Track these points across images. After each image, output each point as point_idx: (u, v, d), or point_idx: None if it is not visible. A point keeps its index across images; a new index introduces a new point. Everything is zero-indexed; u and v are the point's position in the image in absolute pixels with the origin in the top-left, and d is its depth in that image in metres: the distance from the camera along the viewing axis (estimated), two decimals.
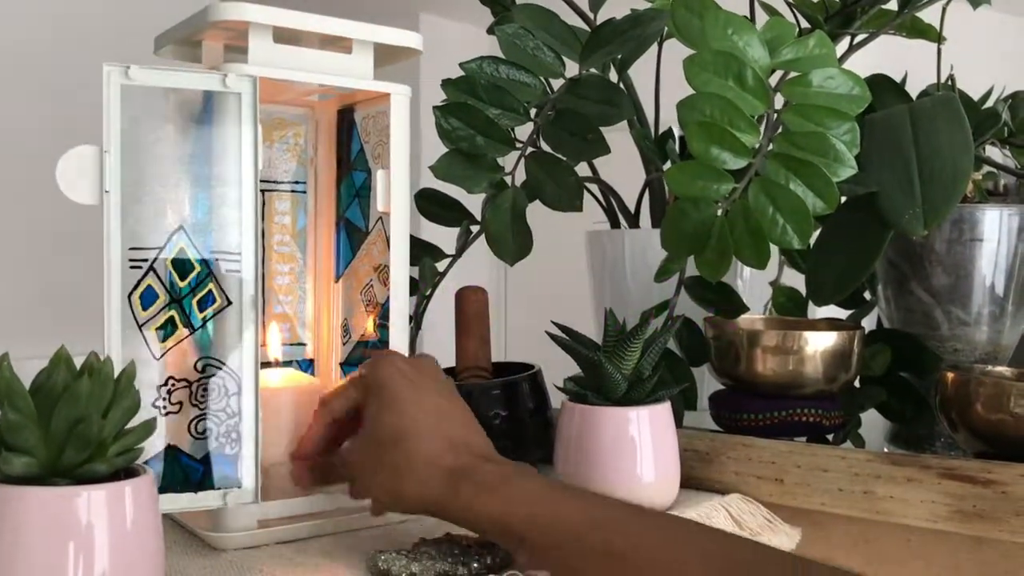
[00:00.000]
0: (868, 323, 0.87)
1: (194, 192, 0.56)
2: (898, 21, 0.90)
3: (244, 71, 0.60)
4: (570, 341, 0.69)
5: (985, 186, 0.99)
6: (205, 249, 0.56)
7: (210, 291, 0.57)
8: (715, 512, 0.68)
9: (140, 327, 0.55)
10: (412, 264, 0.84)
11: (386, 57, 0.68)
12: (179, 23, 0.65)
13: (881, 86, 0.84)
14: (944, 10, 0.87)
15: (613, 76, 0.90)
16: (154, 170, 0.55)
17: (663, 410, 0.68)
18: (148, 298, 0.55)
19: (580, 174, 0.82)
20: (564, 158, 0.80)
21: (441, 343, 0.83)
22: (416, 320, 0.83)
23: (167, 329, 0.56)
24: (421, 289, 0.82)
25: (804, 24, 0.91)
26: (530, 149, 0.81)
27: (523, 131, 0.82)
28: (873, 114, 0.78)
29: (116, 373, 0.47)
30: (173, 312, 0.56)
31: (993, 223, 0.80)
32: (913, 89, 0.89)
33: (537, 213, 0.82)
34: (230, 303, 0.57)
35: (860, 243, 0.75)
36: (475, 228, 0.83)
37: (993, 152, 0.92)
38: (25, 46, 1.21)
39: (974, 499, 0.63)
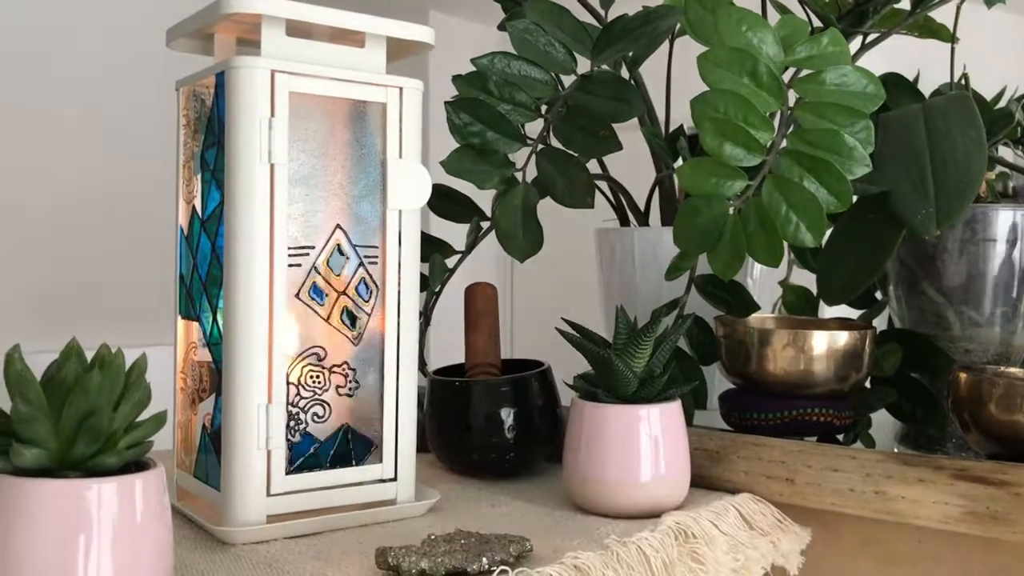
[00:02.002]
0: (879, 323, 0.86)
1: None
2: (910, 21, 0.90)
3: (256, 64, 0.59)
4: (581, 338, 0.68)
5: (996, 187, 0.99)
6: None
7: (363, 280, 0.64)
8: (725, 512, 0.68)
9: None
10: (422, 260, 0.84)
11: (397, 52, 0.68)
12: (191, 16, 0.64)
13: (894, 85, 0.83)
14: (958, 9, 0.87)
15: (624, 73, 0.89)
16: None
17: (674, 408, 0.68)
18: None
19: (590, 171, 0.82)
20: (575, 154, 0.80)
21: (451, 339, 0.83)
22: (425, 316, 0.83)
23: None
24: (431, 285, 0.82)
25: (816, 23, 0.91)
26: (541, 145, 0.81)
27: (534, 127, 0.82)
28: (887, 113, 0.77)
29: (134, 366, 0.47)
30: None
31: (1006, 223, 0.79)
32: (925, 89, 0.88)
33: (546, 210, 0.81)
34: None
35: (872, 242, 0.75)
36: (485, 224, 0.83)
37: (1005, 152, 0.91)
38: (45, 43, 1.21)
39: (988, 500, 0.62)
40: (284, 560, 0.57)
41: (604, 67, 0.84)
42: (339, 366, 0.64)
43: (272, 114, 0.60)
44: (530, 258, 0.81)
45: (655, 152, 0.91)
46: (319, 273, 0.63)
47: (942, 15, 0.90)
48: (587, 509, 0.67)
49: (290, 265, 0.61)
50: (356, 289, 0.65)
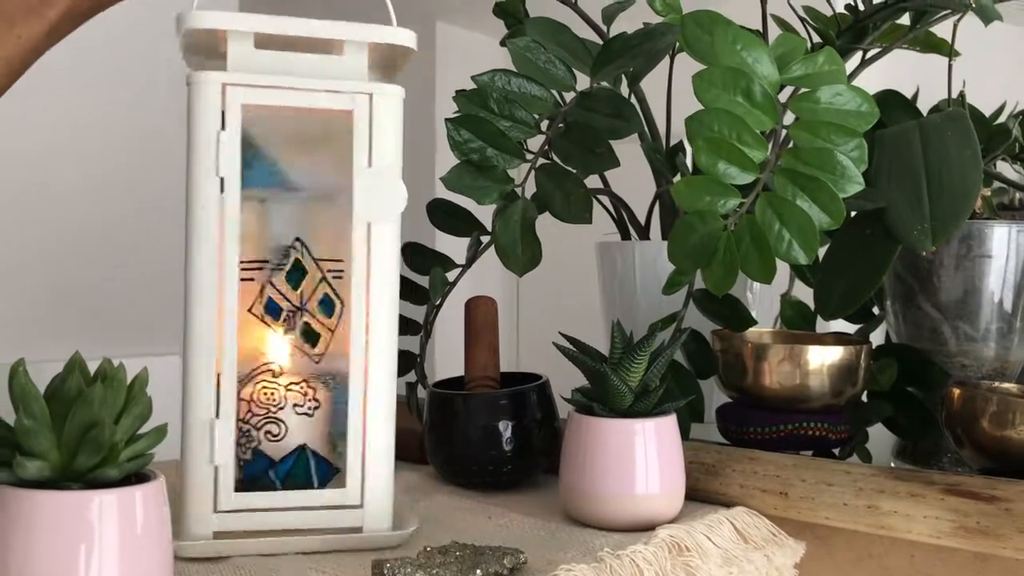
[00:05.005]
0: (876, 337, 0.87)
1: None
2: (911, 36, 0.91)
3: (207, 79, 0.60)
4: (576, 352, 0.69)
5: (999, 200, 0.99)
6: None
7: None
8: (720, 525, 0.68)
9: None
10: (423, 273, 0.85)
11: (388, 62, 0.67)
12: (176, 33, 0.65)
13: (891, 102, 0.84)
14: (956, 25, 0.88)
15: (625, 89, 0.90)
16: None
17: (669, 422, 0.68)
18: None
19: (591, 186, 0.83)
20: (574, 170, 0.81)
21: (451, 352, 0.84)
22: (426, 329, 0.84)
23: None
24: (431, 299, 0.83)
25: (816, 39, 0.92)
26: (540, 161, 0.82)
27: (534, 143, 0.83)
28: (883, 130, 0.78)
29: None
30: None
31: (1002, 239, 0.80)
32: (927, 104, 0.89)
33: (550, 224, 0.82)
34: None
35: (868, 258, 0.76)
36: (485, 239, 0.84)
37: (1004, 168, 0.92)
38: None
39: (978, 515, 0.63)
40: (288, 572, 0.57)
41: (604, 84, 0.85)
42: (297, 384, 0.62)
43: (223, 127, 0.60)
44: (529, 272, 0.82)
45: (655, 167, 0.92)
46: (275, 288, 0.62)
47: (943, 30, 0.91)
48: (582, 522, 0.68)
49: (243, 279, 0.61)
50: (317, 305, 0.63)
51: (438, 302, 0.83)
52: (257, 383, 0.62)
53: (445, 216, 0.88)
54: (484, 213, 0.86)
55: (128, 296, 1.23)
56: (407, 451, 0.77)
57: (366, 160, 0.62)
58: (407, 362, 0.83)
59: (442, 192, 0.82)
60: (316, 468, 0.63)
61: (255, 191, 0.61)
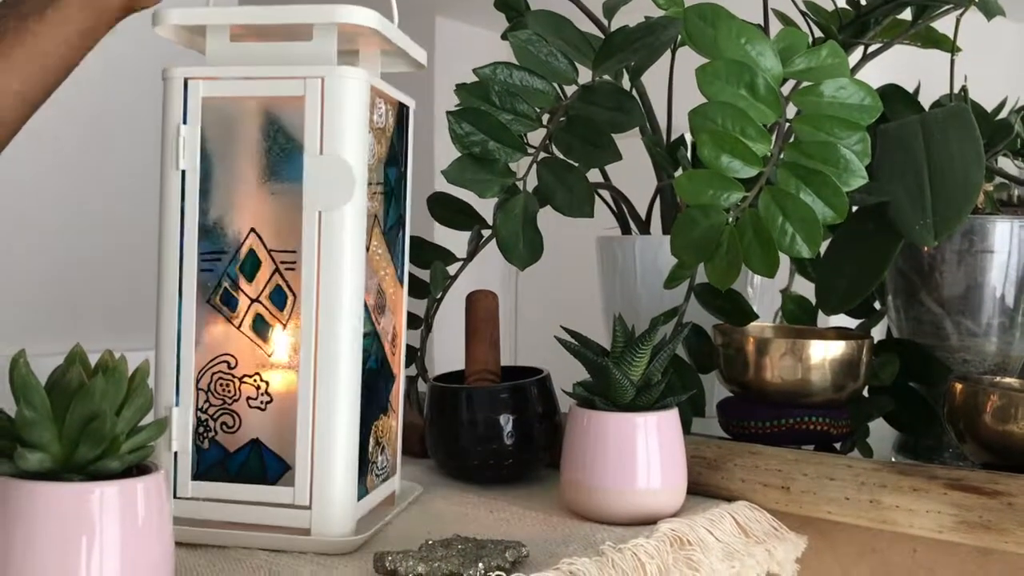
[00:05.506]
0: (877, 332, 0.87)
1: None
2: (912, 31, 0.91)
3: (173, 74, 0.61)
4: (578, 346, 0.69)
5: (1001, 195, 0.99)
6: None
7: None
8: (721, 519, 0.68)
9: None
10: (424, 267, 0.85)
11: (364, 47, 0.67)
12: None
13: (893, 96, 0.84)
14: (958, 20, 0.87)
15: (626, 83, 0.90)
16: None
17: (671, 416, 0.68)
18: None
19: (592, 179, 0.83)
20: (575, 164, 0.81)
21: (452, 346, 0.84)
22: (427, 323, 0.84)
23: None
24: (432, 292, 0.83)
25: (818, 34, 0.92)
26: (542, 154, 0.82)
27: (535, 137, 0.82)
28: (885, 125, 0.78)
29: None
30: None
31: (1004, 234, 0.80)
32: (928, 99, 0.89)
33: (551, 218, 0.82)
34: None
35: (870, 253, 0.76)
36: (487, 232, 0.84)
37: (1006, 163, 0.92)
38: None
39: (980, 510, 0.63)
40: (282, 564, 0.57)
41: (605, 77, 0.85)
42: (251, 376, 0.61)
43: (184, 121, 0.61)
44: (531, 266, 0.81)
45: (656, 161, 0.92)
46: (231, 279, 0.61)
47: (945, 25, 0.91)
48: (584, 515, 0.68)
49: (203, 270, 0.61)
50: (270, 297, 0.61)
51: (439, 296, 0.83)
52: (214, 374, 0.62)
53: (446, 210, 0.88)
54: (485, 207, 0.85)
55: (129, 289, 1.22)
56: (408, 445, 0.77)
57: (317, 146, 0.60)
58: (408, 356, 0.83)
59: (442, 185, 0.82)
60: (269, 463, 0.61)
61: (216, 182, 0.62)
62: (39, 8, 0.59)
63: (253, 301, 0.61)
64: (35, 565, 0.43)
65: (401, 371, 0.71)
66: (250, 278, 0.61)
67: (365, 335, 0.63)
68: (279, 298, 0.61)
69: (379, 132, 0.64)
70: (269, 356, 0.61)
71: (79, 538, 0.44)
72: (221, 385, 0.62)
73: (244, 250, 0.61)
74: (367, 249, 0.62)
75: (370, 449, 0.65)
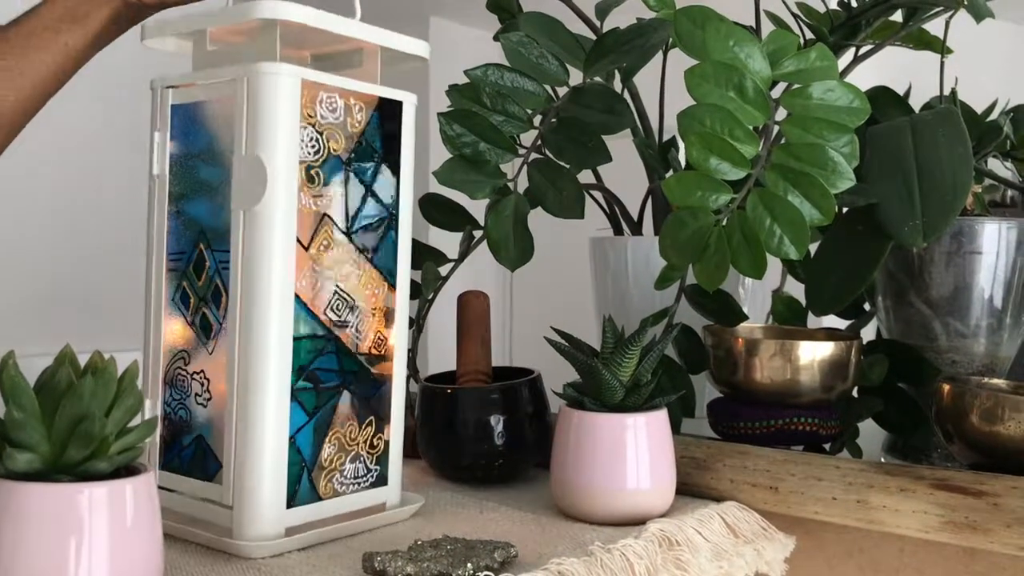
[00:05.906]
0: (867, 333, 0.87)
1: None
2: (903, 33, 0.91)
3: (155, 84, 0.64)
4: (568, 347, 0.70)
5: (990, 197, 0.99)
6: None
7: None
8: (710, 519, 0.69)
9: None
10: (415, 268, 0.85)
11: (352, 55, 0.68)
12: None
13: (882, 98, 0.84)
14: (948, 22, 0.88)
15: (618, 85, 0.90)
16: None
17: (660, 417, 0.69)
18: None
19: (584, 181, 0.83)
20: (566, 165, 0.81)
21: (443, 347, 0.84)
22: (418, 324, 0.84)
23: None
24: (423, 293, 0.83)
25: (810, 36, 0.92)
26: (533, 156, 0.82)
27: (527, 138, 0.83)
28: (875, 126, 0.78)
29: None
30: None
31: (992, 236, 0.80)
32: (919, 100, 0.89)
33: (544, 219, 0.82)
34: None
35: (860, 254, 0.76)
36: (478, 233, 0.84)
37: (995, 165, 0.92)
38: None
39: (966, 510, 0.63)
40: (272, 566, 0.58)
41: (596, 79, 0.85)
42: (198, 374, 0.63)
43: (156, 128, 0.64)
44: (522, 267, 0.82)
45: (648, 162, 0.93)
46: (187, 278, 0.64)
47: (935, 27, 0.91)
48: (573, 516, 0.68)
49: (169, 270, 0.64)
50: (211, 296, 0.62)
51: (430, 296, 0.84)
52: (175, 370, 0.64)
53: (438, 210, 0.88)
54: (477, 208, 0.86)
55: (119, 291, 1.22)
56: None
57: (243, 146, 0.59)
58: None
59: (434, 187, 0.83)
60: (208, 460, 0.62)
61: (182, 186, 0.64)
62: (31, 18, 0.63)
63: (200, 300, 0.63)
64: (24, 566, 0.44)
65: (396, 376, 0.68)
66: (199, 277, 0.63)
67: (310, 337, 0.62)
68: (216, 297, 0.62)
69: (332, 128, 0.62)
70: (210, 354, 0.63)
71: (68, 539, 0.44)
72: (179, 381, 0.64)
73: (196, 251, 0.63)
74: (307, 248, 0.61)
75: (324, 456, 0.63)
